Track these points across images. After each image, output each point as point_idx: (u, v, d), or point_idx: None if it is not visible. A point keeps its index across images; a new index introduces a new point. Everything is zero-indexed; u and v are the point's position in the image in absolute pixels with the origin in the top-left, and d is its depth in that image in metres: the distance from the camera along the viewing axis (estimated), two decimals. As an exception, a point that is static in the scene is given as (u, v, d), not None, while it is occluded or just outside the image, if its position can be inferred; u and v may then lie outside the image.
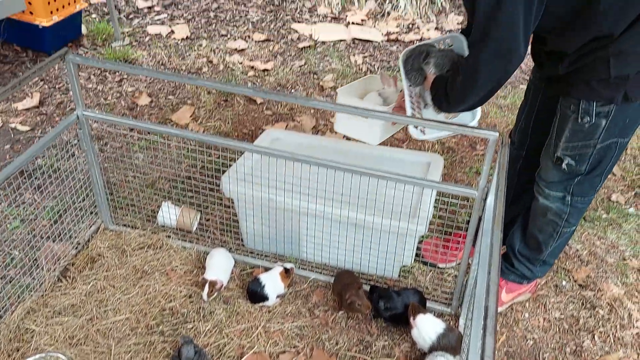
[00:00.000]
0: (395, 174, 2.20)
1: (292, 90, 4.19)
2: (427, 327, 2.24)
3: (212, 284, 2.41)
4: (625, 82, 1.77)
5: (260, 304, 2.47)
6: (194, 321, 2.38)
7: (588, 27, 1.75)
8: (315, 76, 4.36)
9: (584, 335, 2.44)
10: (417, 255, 2.68)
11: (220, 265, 2.53)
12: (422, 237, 2.69)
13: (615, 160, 2.04)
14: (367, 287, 2.52)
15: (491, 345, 1.21)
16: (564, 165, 2.03)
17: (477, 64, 1.83)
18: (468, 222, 2.22)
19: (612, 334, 2.43)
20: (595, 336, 2.43)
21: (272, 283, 2.47)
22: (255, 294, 2.46)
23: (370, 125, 2.49)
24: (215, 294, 2.45)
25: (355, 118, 2.47)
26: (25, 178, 2.52)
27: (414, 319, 2.26)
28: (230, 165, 2.63)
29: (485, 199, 2.04)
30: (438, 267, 2.68)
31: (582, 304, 2.58)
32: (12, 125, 3.61)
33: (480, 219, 2.11)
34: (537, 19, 1.73)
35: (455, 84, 1.97)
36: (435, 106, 2.19)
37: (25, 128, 3.60)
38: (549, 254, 2.37)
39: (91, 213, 2.82)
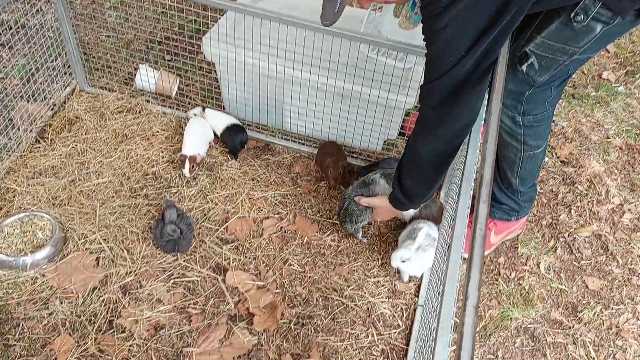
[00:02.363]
0: (388, 40, 2.10)
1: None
2: None
3: (192, 159, 2.36)
4: None
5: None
6: (177, 186, 2.37)
7: None
8: None
9: (561, 209, 2.51)
10: (402, 128, 2.65)
11: (197, 138, 2.46)
12: (409, 110, 2.65)
13: (572, 73, 1.85)
14: (351, 161, 2.52)
15: (484, 213, 1.22)
16: (524, 66, 1.77)
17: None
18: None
19: (589, 208, 2.51)
20: (572, 210, 2.50)
21: None
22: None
23: None
24: (197, 169, 2.42)
25: None
26: (-9, 33, 2.35)
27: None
28: (210, 26, 2.47)
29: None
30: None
31: (563, 179, 2.62)
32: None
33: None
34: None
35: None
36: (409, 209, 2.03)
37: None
38: (520, 183, 2.15)
39: (65, 73, 2.68)
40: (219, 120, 2.54)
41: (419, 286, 2.15)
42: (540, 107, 1.90)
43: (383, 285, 2.14)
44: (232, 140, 2.50)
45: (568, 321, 2.13)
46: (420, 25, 1.54)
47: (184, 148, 2.40)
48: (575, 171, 2.65)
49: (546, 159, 2.69)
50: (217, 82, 2.62)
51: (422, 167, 1.74)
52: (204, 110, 2.57)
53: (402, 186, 1.85)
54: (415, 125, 1.68)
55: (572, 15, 1.62)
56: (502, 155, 2.10)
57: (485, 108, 1.65)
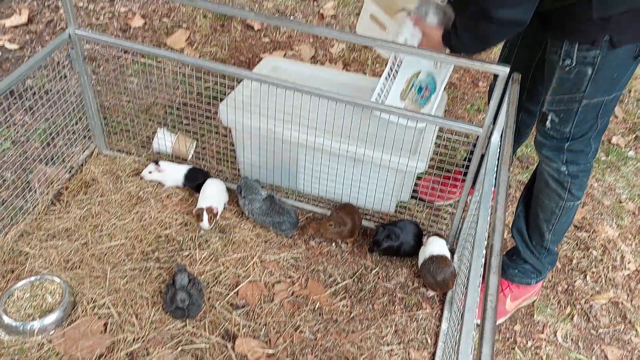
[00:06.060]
0: (397, 108, 2.14)
1: (292, 17, 4.03)
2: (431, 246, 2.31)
3: (210, 210, 2.39)
4: (608, 24, 1.65)
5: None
6: (189, 249, 2.38)
7: None
8: (315, 3, 4.20)
9: (576, 275, 2.47)
10: (414, 192, 2.67)
11: (214, 195, 2.50)
12: (421, 175, 2.67)
13: (602, 124, 1.91)
14: (366, 223, 2.53)
15: (495, 284, 1.21)
16: (547, 124, 1.90)
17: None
18: (466, 159, 2.18)
19: (604, 274, 2.46)
20: (587, 276, 2.46)
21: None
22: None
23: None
24: (215, 221, 2.43)
25: (377, 27, 2.30)
26: (15, 98, 2.44)
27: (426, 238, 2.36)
28: (227, 93, 2.55)
29: (490, 136, 2.00)
30: (433, 206, 2.67)
31: (577, 244, 2.60)
32: (0, 43, 3.46)
33: (482, 157, 2.08)
34: None
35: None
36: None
37: (14, 46, 3.46)
38: (552, 239, 2.15)
39: (84, 137, 2.76)
40: (177, 168, 2.62)
41: (434, 355, 2.10)
42: (582, 158, 1.96)
43: (397, 354, 2.09)
44: (196, 179, 2.60)
45: (588, 393, 2.06)
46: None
47: (199, 202, 2.44)
48: (589, 236, 2.63)
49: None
50: (233, 145, 2.67)
51: (483, 31, 1.79)
52: (157, 164, 2.61)
53: (459, 35, 1.88)
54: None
55: (561, 62, 1.78)
56: (541, 205, 2.10)
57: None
